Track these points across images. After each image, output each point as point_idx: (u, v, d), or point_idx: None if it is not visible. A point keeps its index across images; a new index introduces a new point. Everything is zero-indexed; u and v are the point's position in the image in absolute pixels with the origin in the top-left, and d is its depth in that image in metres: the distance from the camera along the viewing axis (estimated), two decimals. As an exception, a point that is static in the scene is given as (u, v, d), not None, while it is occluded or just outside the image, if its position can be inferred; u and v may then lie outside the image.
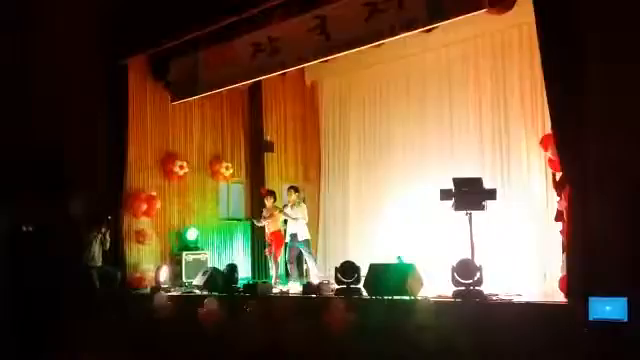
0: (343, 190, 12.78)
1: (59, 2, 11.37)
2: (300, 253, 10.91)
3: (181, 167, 11.71)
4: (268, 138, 12.24)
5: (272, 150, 12.36)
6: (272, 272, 10.93)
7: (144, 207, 11.16)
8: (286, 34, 9.52)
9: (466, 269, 7.33)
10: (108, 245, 10.61)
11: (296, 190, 11.04)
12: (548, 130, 7.74)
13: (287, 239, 10.88)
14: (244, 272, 10.87)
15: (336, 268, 8.54)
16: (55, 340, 9.95)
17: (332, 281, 8.73)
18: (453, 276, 7.35)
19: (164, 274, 10.75)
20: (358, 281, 8.25)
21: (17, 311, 10.44)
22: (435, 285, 8.09)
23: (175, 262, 11.34)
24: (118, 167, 11.10)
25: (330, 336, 7.65)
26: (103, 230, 10.58)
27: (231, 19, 9.64)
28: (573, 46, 6.63)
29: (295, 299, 8.61)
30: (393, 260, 9.65)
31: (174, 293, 10.20)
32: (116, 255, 10.96)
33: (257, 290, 9.17)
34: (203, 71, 10.83)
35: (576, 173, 6.61)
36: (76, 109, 11.42)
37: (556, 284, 7.24)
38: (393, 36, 8.52)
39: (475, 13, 7.79)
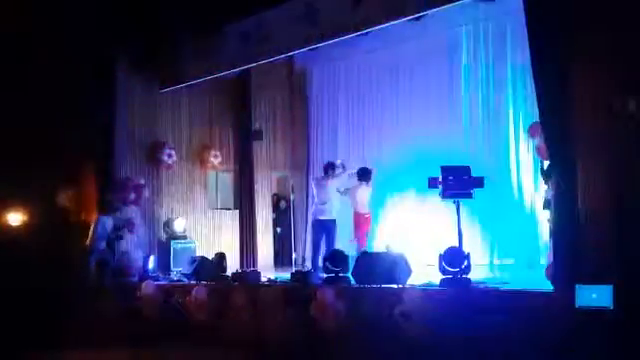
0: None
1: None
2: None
3: (169, 155, 11.67)
4: (257, 126, 12.19)
5: (261, 138, 12.31)
6: None
7: (132, 196, 11.11)
8: (274, 22, 9.47)
9: (454, 257, 7.34)
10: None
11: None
12: (537, 118, 7.74)
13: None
14: (233, 261, 10.84)
15: (324, 257, 8.55)
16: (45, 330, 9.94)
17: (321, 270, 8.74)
18: (441, 264, 7.37)
19: (152, 263, 10.73)
20: (346, 270, 8.26)
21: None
22: (423, 273, 8.11)
23: (163, 251, 11.31)
24: (106, 156, 11.06)
25: (317, 324, 7.67)
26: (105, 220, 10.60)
27: (220, 6, 9.61)
28: (562, 33, 6.63)
29: (283, 287, 8.60)
30: (381, 248, 9.69)
31: (162, 282, 10.19)
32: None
33: (245, 278, 9.18)
34: (191, 59, 10.78)
35: (563, 161, 6.63)
36: (64, 97, 11.35)
37: (543, 272, 7.27)
38: (382, 24, 8.49)
39: (464, 0, 7.78)
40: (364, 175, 10.07)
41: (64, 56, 11.35)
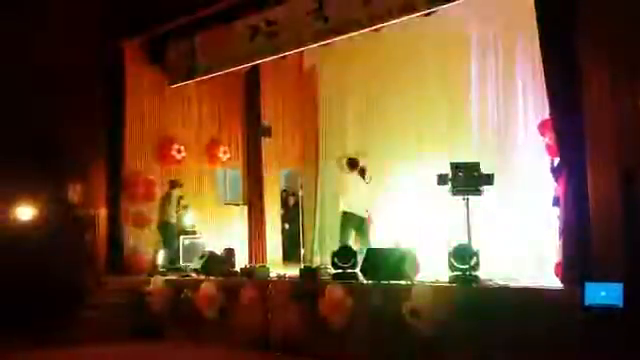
0: (341, 175, 12.71)
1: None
2: None
3: (178, 151, 11.69)
4: (266, 123, 12.19)
5: (270, 135, 12.31)
6: None
7: (142, 191, 11.15)
8: (284, 17, 9.47)
9: (463, 254, 7.33)
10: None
11: None
12: (547, 115, 7.71)
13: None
14: (241, 256, 10.86)
15: (333, 253, 8.55)
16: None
17: (329, 266, 8.74)
18: (450, 261, 7.35)
19: (161, 258, 10.76)
20: (355, 266, 8.25)
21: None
22: (432, 270, 8.09)
23: (172, 246, 11.33)
24: (116, 151, 11.10)
25: (326, 320, 7.68)
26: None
27: (229, 1, 9.60)
28: (572, 31, 6.59)
29: (292, 283, 8.61)
30: (391, 245, 9.66)
31: (171, 277, 10.21)
32: (114, 239, 11.01)
33: (255, 274, 9.19)
34: (200, 54, 10.79)
35: (573, 159, 6.60)
36: (73, 93, 11.39)
37: (552, 270, 7.25)
38: (392, 20, 8.47)
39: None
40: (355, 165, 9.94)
41: (73, 51, 11.39)
